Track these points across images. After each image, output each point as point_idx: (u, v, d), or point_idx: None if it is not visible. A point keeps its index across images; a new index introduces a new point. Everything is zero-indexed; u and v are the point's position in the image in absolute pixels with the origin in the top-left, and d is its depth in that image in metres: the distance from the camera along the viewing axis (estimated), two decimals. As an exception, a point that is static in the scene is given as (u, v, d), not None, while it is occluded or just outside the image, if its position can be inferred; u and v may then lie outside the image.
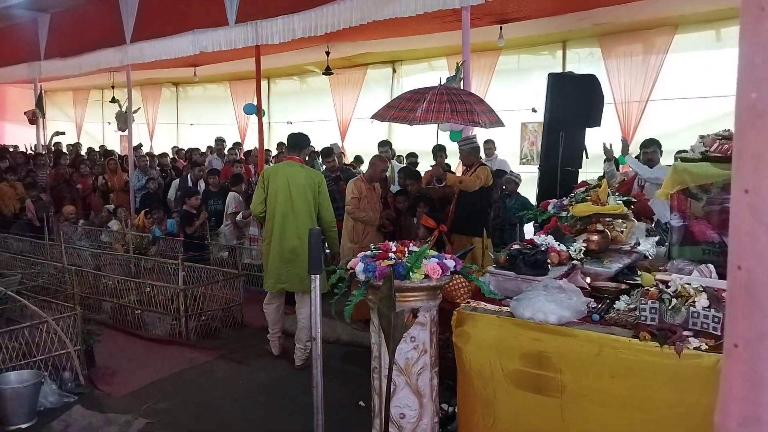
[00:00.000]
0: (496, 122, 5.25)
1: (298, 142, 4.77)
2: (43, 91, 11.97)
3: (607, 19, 7.70)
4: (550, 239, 3.10)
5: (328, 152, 7.22)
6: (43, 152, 11.76)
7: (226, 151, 10.40)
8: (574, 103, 6.23)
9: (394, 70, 11.24)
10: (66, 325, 4.18)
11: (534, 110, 8.85)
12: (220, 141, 10.57)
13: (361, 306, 2.80)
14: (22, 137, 14.63)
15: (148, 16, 8.65)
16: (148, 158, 10.03)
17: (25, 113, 12.48)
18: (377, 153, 7.19)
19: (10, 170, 9.41)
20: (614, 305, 2.77)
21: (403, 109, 5.06)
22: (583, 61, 8.95)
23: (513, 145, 9.52)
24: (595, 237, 3.33)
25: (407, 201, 5.65)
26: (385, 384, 2.60)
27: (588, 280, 3.10)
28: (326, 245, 4.55)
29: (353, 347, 4.90)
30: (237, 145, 11.21)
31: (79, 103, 16.88)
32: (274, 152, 10.68)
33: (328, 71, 10.14)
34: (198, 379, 4.33)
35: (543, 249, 2.94)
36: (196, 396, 4.07)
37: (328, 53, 9.56)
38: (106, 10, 9.11)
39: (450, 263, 2.68)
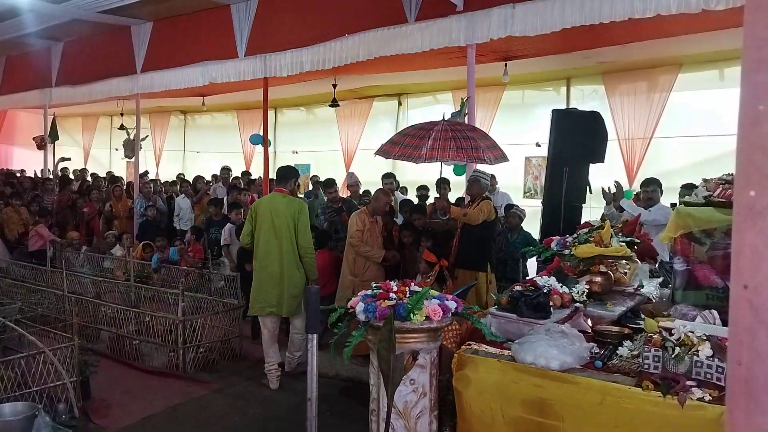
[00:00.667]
0: (501, 158, 5.29)
1: (285, 174, 5.07)
2: (55, 118, 12.13)
3: (611, 57, 7.79)
4: (553, 281, 3.07)
5: (330, 183, 7.26)
6: (51, 177, 11.85)
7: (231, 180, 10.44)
8: (577, 138, 6.26)
9: (400, 103, 11.36)
10: (63, 355, 4.14)
11: (538, 145, 8.90)
12: (225, 170, 10.62)
13: (361, 342, 2.77)
14: (31, 162, 14.81)
15: (159, 47, 8.82)
16: (151, 185, 10.09)
17: (33, 139, 12.63)
18: (381, 184, 7.21)
19: (15, 195, 9.47)
20: (617, 351, 2.73)
21: (408, 146, 5.08)
22: (587, 97, 9.03)
23: (517, 178, 9.55)
24: (598, 279, 3.31)
25: (413, 235, 5.62)
26: (384, 428, 2.55)
27: (590, 323, 3.07)
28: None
29: (352, 382, 4.82)
30: (246, 174, 11.25)
31: (88, 129, 17.08)
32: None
33: (334, 103, 10.26)
34: (193, 414, 4.26)
35: (545, 291, 2.91)
36: (190, 432, 4.00)
37: (335, 86, 9.69)
38: (118, 40, 9.30)
39: (451, 305, 2.65)
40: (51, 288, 6.46)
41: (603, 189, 5.93)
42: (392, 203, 6.80)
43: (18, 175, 13.00)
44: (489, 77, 8.35)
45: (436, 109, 10.47)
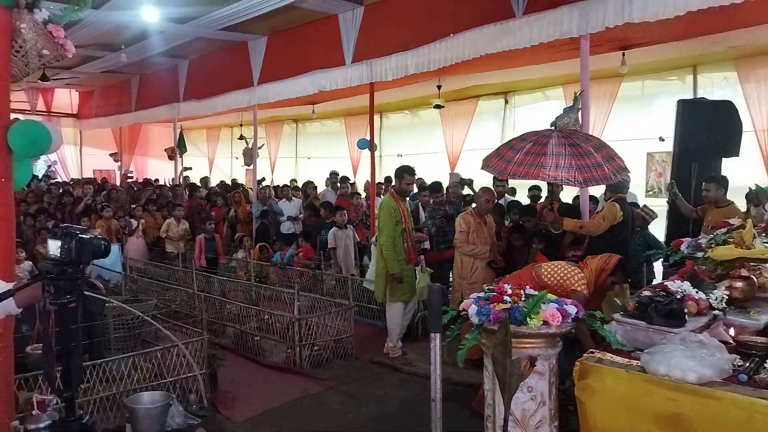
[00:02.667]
0: (623, 170, 4.50)
1: (394, 175, 5.58)
2: (182, 130, 13.23)
3: (745, 41, 7.02)
4: (687, 285, 2.81)
5: (437, 188, 7.19)
6: (180, 185, 12.93)
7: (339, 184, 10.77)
8: (707, 131, 5.74)
9: (507, 101, 11.07)
10: (194, 349, 4.47)
11: (661, 139, 8.27)
12: (334, 174, 10.99)
13: (473, 345, 2.69)
14: (162, 171, 16.34)
15: (273, 60, 9.31)
16: (267, 190, 10.66)
17: (165, 150, 13.85)
18: (492, 187, 7.01)
19: (152, 202, 10.42)
20: (765, 364, 2.43)
21: (524, 163, 4.32)
22: (716, 86, 8.24)
23: (638, 176, 8.90)
24: (739, 284, 2.98)
25: (522, 238, 5.40)
26: (500, 435, 2.47)
27: (732, 332, 2.77)
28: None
29: (462, 386, 4.74)
30: (345, 179, 11.52)
31: (211, 139, 18.46)
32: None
33: (439, 105, 10.23)
34: (311, 410, 4.42)
35: (679, 297, 2.67)
36: (308, 426, 4.14)
37: (439, 87, 9.67)
38: (237, 56, 9.94)
39: (571, 309, 2.51)
40: (182, 286, 7.03)
41: (750, 189, 5.32)
42: (502, 203, 6.61)
43: (155, 183, 14.30)
44: (604, 68, 7.90)
45: (545, 105, 10.10)
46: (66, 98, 16.11)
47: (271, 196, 10.34)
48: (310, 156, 15.95)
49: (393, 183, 5.58)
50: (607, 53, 7.22)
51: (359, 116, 13.53)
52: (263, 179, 12.98)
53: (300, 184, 12.70)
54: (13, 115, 2.77)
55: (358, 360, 5.53)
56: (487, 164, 4.56)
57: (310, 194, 10.76)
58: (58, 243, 1.81)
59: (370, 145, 8.63)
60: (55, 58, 2.67)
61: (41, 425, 3.32)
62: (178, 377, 4.36)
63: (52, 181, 13.37)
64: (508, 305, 2.49)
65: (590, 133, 5.44)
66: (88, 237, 1.85)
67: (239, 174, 16.47)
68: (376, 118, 12.03)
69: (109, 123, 14.82)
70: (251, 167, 11.25)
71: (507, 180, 6.87)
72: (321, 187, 11.97)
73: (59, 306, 1.92)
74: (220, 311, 6.22)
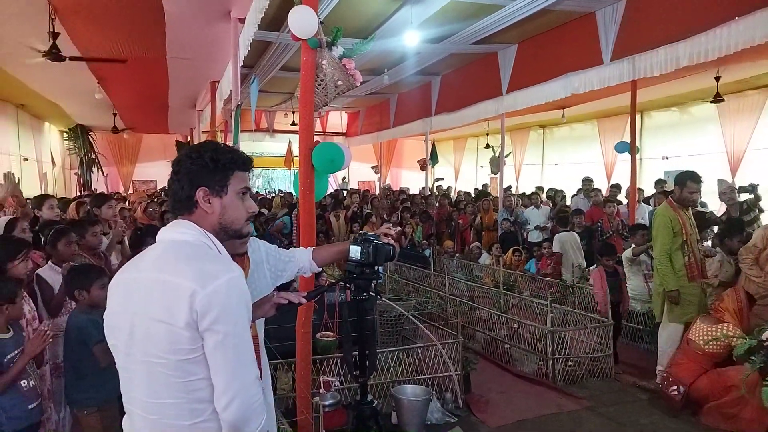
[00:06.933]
0: None
1: (674, 182, 5.12)
2: (434, 143, 14.06)
3: None
4: None
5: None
6: (431, 194, 13.75)
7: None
8: None
9: (812, 87, 9.08)
10: (449, 350, 4.68)
11: None
12: (587, 181, 10.39)
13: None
14: (413, 181, 17.59)
15: (523, 67, 9.25)
16: (512, 198, 10.61)
17: (417, 161, 14.87)
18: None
19: (406, 210, 11.27)
20: None
21: None
22: None
23: None
24: None
25: None
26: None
27: None
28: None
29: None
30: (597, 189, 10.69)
31: (458, 150, 19.21)
32: (649, 191, 9.87)
33: (717, 98, 8.89)
34: (565, 428, 4.23)
35: None
36: (563, 445, 3.99)
37: (717, 78, 8.40)
38: (486, 67, 10.14)
39: None
40: (434, 289, 7.42)
41: None
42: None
43: (408, 192, 15.51)
44: None
45: None
46: (337, 119, 18.56)
47: (517, 205, 10.27)
48: (557, 162, 15.41)
49: (672, 191, 5.11)
50: None
51: (615, 117, 12.60)
52: (509, 187, 12.98)
53: (545, 191, 12.36)
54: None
55: (618, 382, 5.12)
56: None
57: (558, 202, 10.39)
58: (359, 248, 2.08)
59: (630, 148, 7.96)
60: (347, 88, 3.08)
61: (326, 403, 3.86)
62: (436, 375, 4.61)
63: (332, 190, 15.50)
64: (838, 340, 2.02)
65: None
66: (381, 243, 2.08)
67: (483, 182, 16.79)
68: (637, 117, 11.04)
69: (371, 139, 16.53)
70: (497, 175, 11.34)
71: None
72: (568, 193, 11.48)
73: (358, 302, 2.21)
74: (470, 316, 6.39)
